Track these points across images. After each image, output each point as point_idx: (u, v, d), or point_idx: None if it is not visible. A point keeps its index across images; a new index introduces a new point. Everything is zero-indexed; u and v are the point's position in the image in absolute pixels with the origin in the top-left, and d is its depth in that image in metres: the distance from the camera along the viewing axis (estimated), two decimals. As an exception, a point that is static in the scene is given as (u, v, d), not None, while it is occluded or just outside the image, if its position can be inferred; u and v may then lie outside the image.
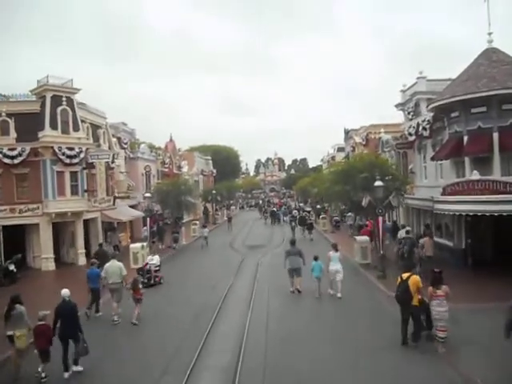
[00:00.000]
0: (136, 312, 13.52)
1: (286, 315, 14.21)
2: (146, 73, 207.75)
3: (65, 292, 10.42)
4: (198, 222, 40.37)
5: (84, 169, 25.51)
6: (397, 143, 25.65)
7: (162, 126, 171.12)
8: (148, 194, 25.69)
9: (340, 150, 58.41)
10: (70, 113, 24.87)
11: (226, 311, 14.80)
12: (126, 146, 37.35)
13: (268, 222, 48.94)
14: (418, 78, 25.86)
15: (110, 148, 30.96)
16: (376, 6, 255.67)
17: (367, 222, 27.70)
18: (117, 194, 31.24)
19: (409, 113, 27.35)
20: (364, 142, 38.00)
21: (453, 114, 18.64)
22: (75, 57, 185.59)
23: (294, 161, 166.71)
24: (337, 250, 16.67)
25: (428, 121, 21.26)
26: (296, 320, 13.67)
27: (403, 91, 28.77)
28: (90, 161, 25.64)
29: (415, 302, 11.01)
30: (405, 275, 11.27)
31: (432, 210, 21.64)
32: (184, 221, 54.21)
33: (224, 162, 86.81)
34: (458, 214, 17.35)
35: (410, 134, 24.22)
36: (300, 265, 16.62)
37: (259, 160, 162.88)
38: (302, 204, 68.57)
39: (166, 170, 47.45)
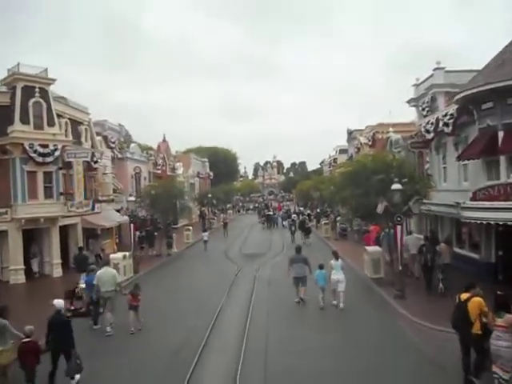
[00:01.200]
0: (131, 319, 12.96)
1: (289, 351, 11.29)
2: (144, 77, 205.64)
3: (58, 303, 9.83)
4: (191, 228, 37.49)
5: (60, 169, 22.68)
6: (411, 142, 22.92)
7: (160, 129, 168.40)
8: (131, 198, 22.90)
9: (342, 151, 55.65)
10: (44, 106, 22.06)
11: (209, 355, 11.06)
12: (113, 146, 34.58)
13: (266, 227, 47.56)
14: (434, 69, 23.17)
15: (93, 147, 28.18)
16: (376, 9, 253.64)
17: (371, 227, 25.35)
18: (101, 198, 28.48)
19: (423, 109, 24.61)
20: (370, 143, 35.24)
21: (485, 106, 15.86)
22: (73, 61, 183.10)
23: (293, 164, 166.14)
24: (337, 258, 15.47)
25: (451, 115, 18.50)
26: (300, 355, 10.82)
27: (416, 85, 26.06)
28: (67, 160, 22.82)
29: (476, 329, 8.51)
30: (464, 296, 8.86)
31: (454, 217, 19.01)
32: (178, 225, 52.02)
33: (221, 164, 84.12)
34: (494, 223, 14.56)
35: (428, 132, 21.48)
36: (306, 273, 15.49)
37: (258, 163, 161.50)
38: (302, 208, 66.04)
39: (159, 171, 44.67)
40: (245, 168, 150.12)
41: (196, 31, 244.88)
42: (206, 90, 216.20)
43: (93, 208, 24.92)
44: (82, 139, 26.67)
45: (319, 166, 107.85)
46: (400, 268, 15.77)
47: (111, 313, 13.15)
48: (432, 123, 20.78)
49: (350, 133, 47.65)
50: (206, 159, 74.66)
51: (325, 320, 14.09)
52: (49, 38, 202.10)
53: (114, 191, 34.44)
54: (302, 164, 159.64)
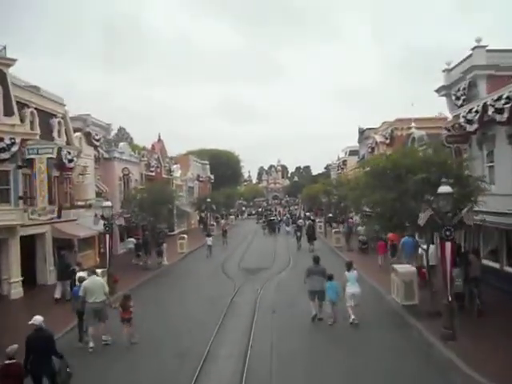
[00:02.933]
0: (126, 331, 12.21)
1: None
2: (144, 78, 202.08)
3: (38, 319, 8.68)
4: (185, 236, 33.46)
5: (19, 167, 18.75)
6: (447, 136, 18.85)
7: (160, 131, 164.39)
8: (108, 203, 18.90)
9: (353, 153, 51.47)
10: (1, 91, 18.19)
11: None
12: (97, 144, 30.66)
13: (268, 233, 46.25)
14: (474, 47, 19.15)
15: (69, 143, 24.28)
16: (376, 9, 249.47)
17: (389, 234, 21.86)
18: (78, 203, 24.57)
19: (457, 97, 20.61)
20: (388, 141, 31.13)
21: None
22: (74, 63, 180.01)
23: (298, 168, 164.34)
24: (350, 269, 13.87)
25: (507, 99, 14.40)
26: None
27: (448, 70, 22.03)
28: (28, 156, 18.88)
29: None
30: None
31: (505, 228, 15.08)
32: (175, 232, 48.06)
33: (223, 167, 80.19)
34: None
35: (469, 122, 17.41)
36: (323, 287, 13.88)
37: (262, 167, 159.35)
38: (308, 213, 62.13)
39: (153, 174, 40.72)
40: (249, 172, 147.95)
41: (196, 32, 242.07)
42: (207, 92, 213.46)
43: (59, 215, 20.88)
44: (55, 134, 22.76)
45: (324, 170, 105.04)
46: (450, 299, 11.67)
47: (104, 323, 12.34)
48: (477, 111, 16.71)
49: (361, 132, 43.55)
50: (207, 162, 70.75)
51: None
52: (46, 37, 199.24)
53: (99, 195, 30.56)
54: (307, 168, 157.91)
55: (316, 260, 14.59)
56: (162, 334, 13.29)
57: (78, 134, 26.42)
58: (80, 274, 14.21)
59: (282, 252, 31.63)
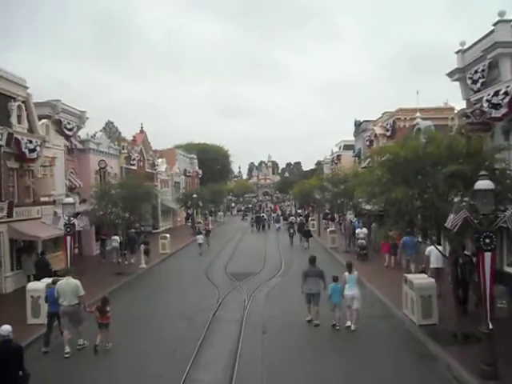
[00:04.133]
0: (99, 338, 11.34)
1: None
2: (135, 74, 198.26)
3: (5, 329, 7.62)
4: (168, 236, 30.65)
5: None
6: (468, 123, 16.25)
7: (150, 127, 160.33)
8: (69, 200, 16.04)
9: (347, 147, 48.92)
10: None
11: None
12: (70, 133, 27.73)
13: (256, 229, 45.54)
14: (496, 22, 16.56)
15: (31, 131, 21.34)
16: (374, 8, 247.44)
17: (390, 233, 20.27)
18: (46, 198, 21.64)
19: (474, 81, 18.04)
20: (389, 133, 28.52)
21: None
22: (64, 58, 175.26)
23: (288, 164, 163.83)
24: (351, 271, 12.96)
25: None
26: None
27: (462, 51, 19.46)
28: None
29: None
30: None
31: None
32: (160, 230, 45.12)
33: (212, 162, 77.19)
34: None
35: (495, 107, 14.82)
36: (319, 290, 13.19)
37: (252, 163, 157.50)
38: (300, 210, 59.75)
39: (134, 167, 37.77)
40: (239, 168, 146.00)
41: (189, 28, 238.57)
42: (199, 89, 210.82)
43: (9, 213, 17.91)
44: (13, 119, 19.82)
45: (315, 167, 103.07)
46: (490, 327, 9.06)
47: (80, 328, 11.73)
48: (506, 93, 14.13)
49: (358, 124, 40.96)
50: (195, 156, 67.76)
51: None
52: (35, 33, 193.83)
53: (72, 189, 27.64)
54: (297, 164, 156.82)
55: (312, 261, 13.62)
56: (124, 366, 10.56)
57: (44, 120, 23.45)
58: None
59: (273, 253, 28.99)
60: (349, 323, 12.60)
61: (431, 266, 15.24)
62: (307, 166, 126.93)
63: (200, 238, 30.12)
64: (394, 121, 27.79)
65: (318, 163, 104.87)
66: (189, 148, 70.89)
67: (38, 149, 20.42)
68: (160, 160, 49.42)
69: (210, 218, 54.75)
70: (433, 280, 13.06)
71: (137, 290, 19.12)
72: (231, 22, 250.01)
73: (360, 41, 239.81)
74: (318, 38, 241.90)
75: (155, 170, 44.61)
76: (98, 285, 18.44)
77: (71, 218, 15.81)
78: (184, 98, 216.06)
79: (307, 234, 30.56)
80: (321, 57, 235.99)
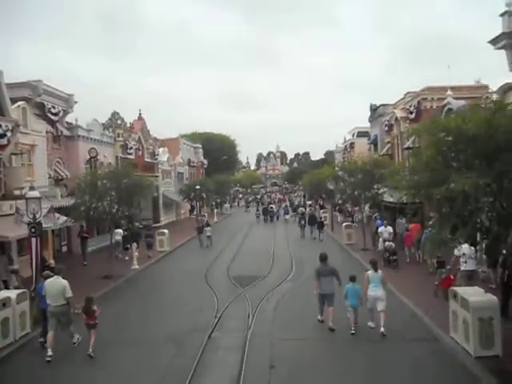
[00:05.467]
0: (92, 340, 10.50)
1: None
2: (143, 66, 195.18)
3: None
4: (166, 231, 27.78)
5: None
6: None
7: (161, 119, 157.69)
8: (33, 194, 13.13)
9: (361, 134, 45.58)
10: None
11: None
12: (55, 118, 24.85)
13: (262, 220, 44.90)
14: None
15: (3, 115, 18.44)
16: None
17: (411, 226, 20.61)
18: (20, 192, 18.75)
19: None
20: (413, 115, 25.19)
21: None
22: (72, 51, 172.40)
23: (297, 155, 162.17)
24: (377, 269, 11.74)
25: None
26: None
27: (510, 13, 16.21)
28: None
29: None
30: None
31: None
32: (161, 224, 42.31)
33: (218, 152, 73.93)
34: None
35: None
36: (333, 290, 11.96)
37: (260, 154, 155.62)
38: (309, 202, 56.77)
39: (131, 156, 34.87)
40: (247, 159, 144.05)
41: (196, 20, 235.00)
42: (207, 80, 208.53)
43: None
44: (-22, 99, 16.95)
45: (323, 157, 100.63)
46: None
47: (71, 328, 10.98)
48: None
49: (374, 109, 37.61)
50: (200, 145, 64.73)
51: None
52: (45, 26, 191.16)
53: (58, 181, 24.84)
54: (306, 155, 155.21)
55: (323, 258, 12.55)
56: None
57: (21, 103, 20.55)
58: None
59: (282, 250, 26.10)
60: (372, 325, 11.61)
61: (462, 267, 13.59)
62: (316, 155, 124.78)
63: (208, 231, 28.74)
64: (419, 101, 24.44)
65: (327, 153, 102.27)
66: (194, 137, 67.85)
67: (8, 134, 17.54)
68: (161, 149, 46.51)
69: (216, 210, 51.95)
70: (494, 297, 9.99)
71: (122, 300, 16.16)
72: (238, 13, 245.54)
73: (370, 27, 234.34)
74: (329, 26, 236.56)
75: (156, 159, 41.67)
76: (79, 291, 15.49)
77: (36, 216, 12.95)
78: (190, 87, 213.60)
79: (320, 226, 30.18)
80: (331, 47, 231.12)
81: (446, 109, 21.91)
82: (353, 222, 38.17)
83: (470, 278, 13.40)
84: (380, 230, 21.19)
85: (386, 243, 19.49)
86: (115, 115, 65.66)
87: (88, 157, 27.29)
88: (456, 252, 13.71)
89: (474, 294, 10.18)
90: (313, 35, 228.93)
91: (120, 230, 24.21)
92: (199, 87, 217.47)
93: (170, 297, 16.39)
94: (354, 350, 10.53)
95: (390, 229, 20.97)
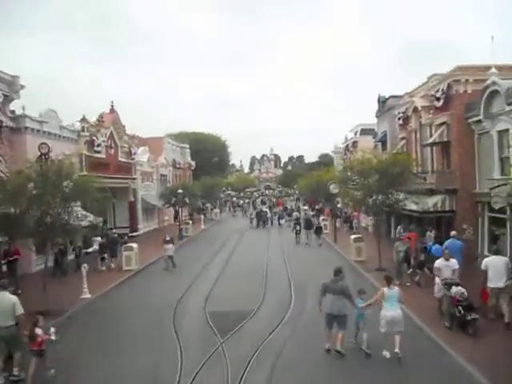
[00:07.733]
0: (31, 371, 8.88)
1: None
2: (131, 69, 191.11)
3: None
4: (135, 245, 22.61)
5: None
6: None
7: (151, 122, 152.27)
8: None
9: (366, 132, 40.65)
10: None
11: None
12: (-8, 105, 19.68)
13: (254, 225, 42.17)
14: None
15: None
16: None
17: (407, 235, 18.66)
18: None
19: None
20: (441, 103, 20.18)
21: None
22: (58, 52, 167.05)
23: (291, 158, 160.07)
24: (390, 284, 10.22)
25: None
26: None
27: None
28: None
29: None
30: None
31: None
32: (140, 232, 37.29)
33: (208, 153, 68.80)
34: None
35: None
36: (343, 310, 10.27)
37: (254, 157, 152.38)
38: (306, 207, 52.17)
39: (101, 155, 29.70)
40: (240, 161, 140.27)
41: (183, 21, 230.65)
42: (195, 83, 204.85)
43: None
44: None
45: (317, 160, 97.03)
46: None
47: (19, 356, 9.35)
48: None
49: (383, 101, 32.67)
50: (187, 145, 59.61)
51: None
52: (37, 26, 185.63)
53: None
54: (300, 158, 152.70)
55: (337, 272, 10.60)
56: None
57: None
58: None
59: (277, 267, 21.12)
60: (387, 355, 9.90)
61: (489, 284, 11.67)
62: (310, 159, 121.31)
63: (169, 249, 22.24)
64: (449, 84, 19.49)
65: (322, 156, 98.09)
66: (181, 137, 62.71)
67: None
68: (141, 148, 41.37)
69: (202, 216, 46.84)
70: None
71: (53, 354, 11.00)
72: (224, 14, 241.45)
73: (365, 27, 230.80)
74: (321, 25, 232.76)
75: (133, 159, 36.49)
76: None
77: None
78: (179, 91, 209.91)
79: (318, 231, 29.47)
80: (323, 46, 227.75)
81: (488, 91, 17.00)
82: (351, 228, 33.78)
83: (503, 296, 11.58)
84: (437, 264, 12.64)
85: (454, 289, 11.48)
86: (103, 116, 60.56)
87: (38, 153, 22.07)
88: (483, 266, 11.98)
89: None
90: (306, 34, 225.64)
91: (98, 238, 23.48)
92: (187, 90, 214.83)
93: (114, 355, 11.13)
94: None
95: (454, 263, 12.52)
